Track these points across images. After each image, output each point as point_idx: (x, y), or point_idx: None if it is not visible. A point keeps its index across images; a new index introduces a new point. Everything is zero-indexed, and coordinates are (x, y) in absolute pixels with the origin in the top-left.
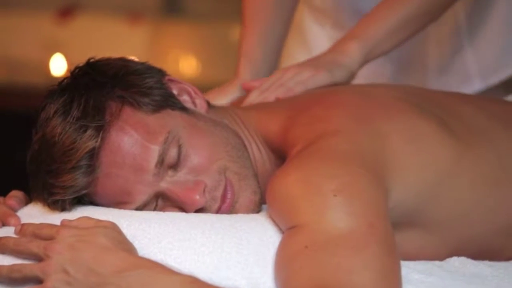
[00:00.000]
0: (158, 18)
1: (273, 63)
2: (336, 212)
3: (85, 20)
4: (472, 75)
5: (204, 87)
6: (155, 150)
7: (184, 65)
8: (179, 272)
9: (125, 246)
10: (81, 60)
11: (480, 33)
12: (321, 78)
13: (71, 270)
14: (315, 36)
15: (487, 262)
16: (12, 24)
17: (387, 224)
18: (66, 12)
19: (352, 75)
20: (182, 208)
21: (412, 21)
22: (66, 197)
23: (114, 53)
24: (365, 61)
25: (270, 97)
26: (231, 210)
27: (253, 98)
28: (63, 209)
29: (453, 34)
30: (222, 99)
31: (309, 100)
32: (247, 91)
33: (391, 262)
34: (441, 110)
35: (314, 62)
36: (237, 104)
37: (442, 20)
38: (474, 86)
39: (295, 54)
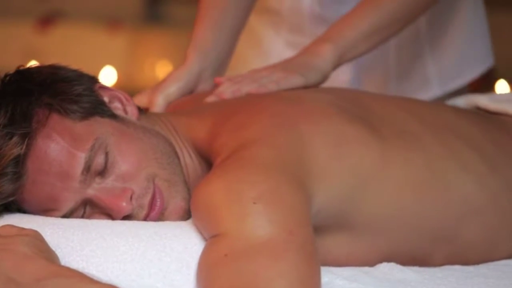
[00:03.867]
0: (137, 26)
1: (224, 53)
2: (256, 220)
3: (65, 28)
4: (432, 81)
5: None
6: (81, 157)
7: (162, 72)
8: (98, 281)
9: (47, 254)
10: None
11: (440, 39)
12: (294, 80)
13: None
14: (270, 41)
15: (415, 268)
16: None
17: (308, 231)
18: (46, 21)
19: (325, 77)
20: (110, 215)
21: (385, 27)
22: None
23: (93, 61)
24: (339, 63)
25: (243, 89)
26: (160, 218)
27: (224, 88)
28: None
29: (414, 40)
30: (173, 85)
31: (234, 106)
32: (217, 86)
33: (309, 269)
34: (372, 115)
35: (286, 65)
36: (175, 107)
37: None
38: (432, 92)
39: (249, 58)
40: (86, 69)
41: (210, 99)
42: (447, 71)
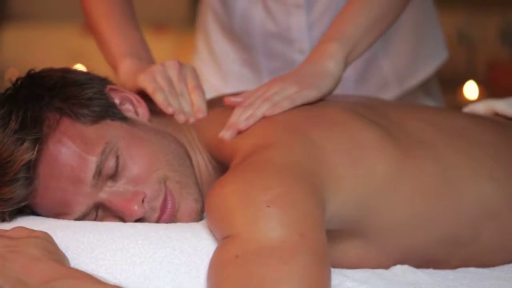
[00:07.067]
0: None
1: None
2: (268, 223)
3: None
4: (389, 81)
5: None
6: (92, 161)
7: None
8: (106, 283)
9: (56, 256)
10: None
11: (392, 38)
12: (308, 94)
13: (0, 281)
14: (227, 60)
15: (429, 270)
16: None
17: (320, 235)
18: None
19: (337, 82)
20: (122, 219)
21: (381, 18)
22: (5, 210)
23: None
24: (346, 64)
25: (256, 114)
26: (172, 219)
27: (237, 117)
28: (2, 220)
29: None
30: None
31: None
32: (228, 107)
33: (319, 273)
34: (389, 122)
35: (298, 76)
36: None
37: None
38: (391, 92)
39: (209, 77)
40: None
41: (226, 135)
42: (403, 69)
